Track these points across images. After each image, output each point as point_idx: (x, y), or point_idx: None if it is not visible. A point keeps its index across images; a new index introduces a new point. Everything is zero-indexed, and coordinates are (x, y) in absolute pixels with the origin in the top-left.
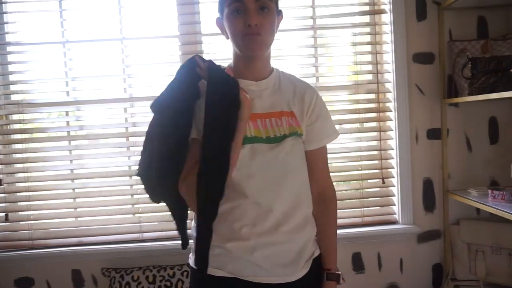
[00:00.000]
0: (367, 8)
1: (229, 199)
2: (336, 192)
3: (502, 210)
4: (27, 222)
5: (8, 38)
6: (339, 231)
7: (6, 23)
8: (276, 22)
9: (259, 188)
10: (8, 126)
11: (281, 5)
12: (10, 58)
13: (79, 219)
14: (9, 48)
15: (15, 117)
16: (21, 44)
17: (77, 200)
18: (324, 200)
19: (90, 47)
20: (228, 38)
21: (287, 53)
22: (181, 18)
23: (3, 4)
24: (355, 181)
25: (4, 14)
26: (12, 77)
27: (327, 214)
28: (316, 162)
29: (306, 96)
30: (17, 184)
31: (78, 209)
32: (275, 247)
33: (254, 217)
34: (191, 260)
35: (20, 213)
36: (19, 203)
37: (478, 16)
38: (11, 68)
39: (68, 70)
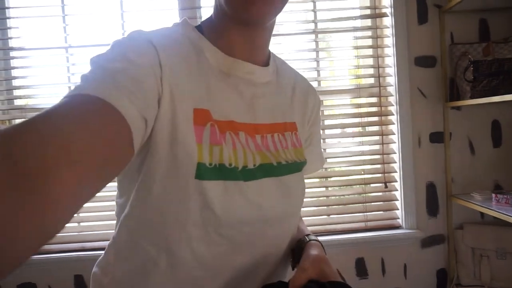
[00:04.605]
0: (368, 12)
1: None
2: (339, 197)
3: (506, 214)
4: None
5: (12, 43)
6: (342, 237)
7: (10, 28)
8: None
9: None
10: None
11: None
12: (13, 63)
13: (81, 224)
14: (12, 53)
15: (18, 122)
16: (24, 49)
17: None
18: None
19: (92, 52)
20: None
21: (289, 57)
22: None
23: (7, 10)
24: (358, 186)
25: (7, 20)
26: (15, 82)
27: None
28: None
29: (310, 99)
30: None
31: (80, 214)
32: None
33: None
34: None
35: None
36: None
37: (480, 19)
38: (14, 73)
39: (71, 75)
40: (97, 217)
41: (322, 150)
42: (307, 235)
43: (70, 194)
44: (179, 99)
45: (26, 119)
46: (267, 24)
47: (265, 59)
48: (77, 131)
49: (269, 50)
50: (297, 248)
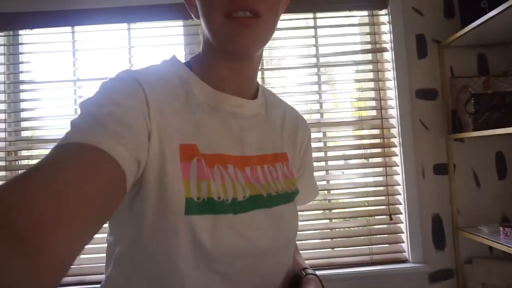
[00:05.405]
0: (369, 46)
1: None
2: (344, 229)
3: None
4: None
5: (22, 77)
6: (346, 270)
7: (21, 62)
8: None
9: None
10: (17, 162)
11: (285, 44)
12: (22, 96)
13: (80, 256)
14: (22, 87)
15: (24, 153)
16: (34, 83)
17: None
18: None
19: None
20: (198, 17)
21: (292, 90)
22: (189, 49)
23: (20, 46)
24: (362, 218)
25: (20, 55)
26: (23, 114)
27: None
28: None
29: (300, 129)
30: None
31: None
32: None
33: None
34: None
35: None
36: None
37: (478, 54)
38: (23, 105)
39: (77, 107)
40: (97, 250)
41: (324, 181)
42: (304, 269)
43: (66, 252)
44: (166, 135)
45: (22, 173)
46: (254, 56)
47: (254, 91)
48: (71, 184)
49: (258, 83)
50: (294, 284)
